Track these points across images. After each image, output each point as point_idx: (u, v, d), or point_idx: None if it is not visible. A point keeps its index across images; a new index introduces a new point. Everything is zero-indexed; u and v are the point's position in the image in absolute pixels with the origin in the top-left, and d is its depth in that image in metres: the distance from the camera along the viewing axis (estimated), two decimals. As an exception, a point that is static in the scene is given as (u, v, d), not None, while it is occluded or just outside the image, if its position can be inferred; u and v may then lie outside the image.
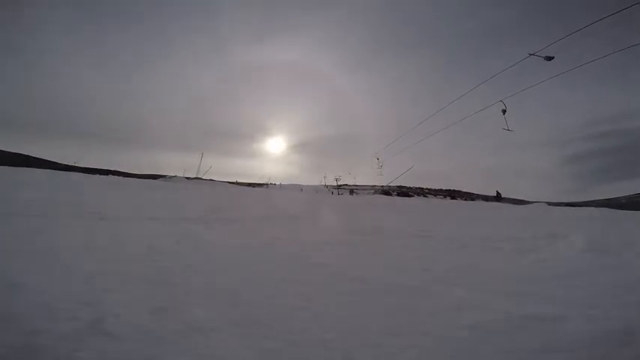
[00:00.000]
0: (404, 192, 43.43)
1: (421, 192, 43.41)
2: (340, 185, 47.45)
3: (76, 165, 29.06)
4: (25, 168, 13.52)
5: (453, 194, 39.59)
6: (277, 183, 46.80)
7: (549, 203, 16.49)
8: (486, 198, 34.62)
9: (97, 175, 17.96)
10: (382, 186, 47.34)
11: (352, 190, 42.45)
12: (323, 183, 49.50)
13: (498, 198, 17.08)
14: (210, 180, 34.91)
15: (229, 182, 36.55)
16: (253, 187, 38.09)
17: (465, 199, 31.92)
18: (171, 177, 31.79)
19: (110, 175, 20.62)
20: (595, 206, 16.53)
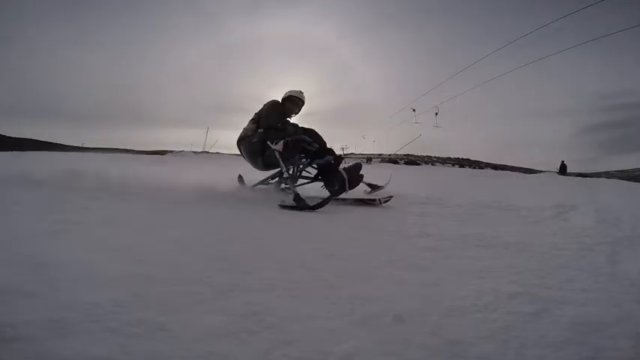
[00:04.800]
0: (411, 160, 43.03)
1: (429, 160, 42.91)
2: (346, 154, 47.21)
3: (84, 146, 29.48)
4: (36, 151, 13.78)
5: (461, 162, 39.08)
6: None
7: (563, 173, 16.18)
8: (495, 167, 34.13)
9: (108, 154, 18.21)
10: (389, 155, 46.80)
11: (369, 158, 41.93)
12: (329, 153, 49.04)
13: (563, 171, 15.12)
14: (217, 153, 35.02)
15: (237, 154, 36.61)
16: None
17: (474, 168, 31.57)
18: (178, 152, 31.97)
19: (118, 153, 20.89)
20: (607, 177, 16.20)
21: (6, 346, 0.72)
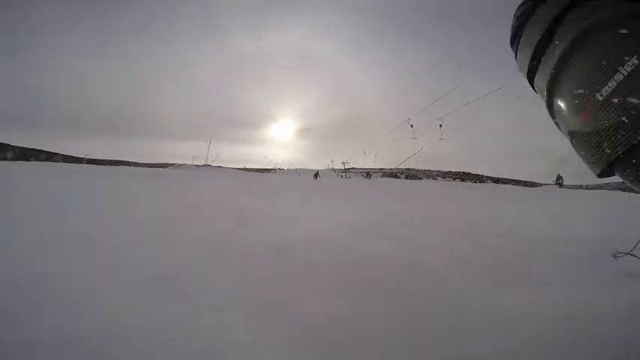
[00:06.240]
0: (412, 174, 43.15)
1: (430, 174, 43.01)
2: (347, 169, 47.36)
3: (86, 157, 29.88)
4: (42, 162, 13.94)
5: (462, 177, 39.13)
6: (284, 168, 47.20)
7: (560, 185, 16.23)
8: (496, 180, 34.16)
9: (108, 166, 18.36)
10: (390, 169, 47.01)
11: (369, 173, 42.37)
12: (330, 167, 49.51)
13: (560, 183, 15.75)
14: (219, 167, 35.32)
15: (237, 168, 36.94)
16: (261, 172, 38.38)
17: (475, 182, 31.57)
18: (179, 165, 32.26)
19: (121, 166, 21.06)
20: (608, 189, 16.16)
21: None
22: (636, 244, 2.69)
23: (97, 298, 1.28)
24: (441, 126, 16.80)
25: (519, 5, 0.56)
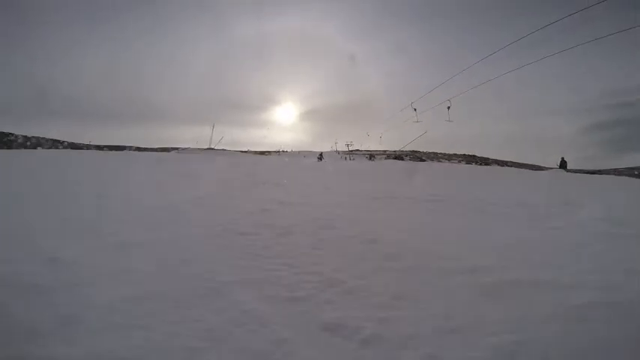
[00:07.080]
0: (417, 157, 42.77)
1: (435, 157, 42.63)
2: (351, 151, 46.95)
3: (90, 144, 29.92)
4: (47, 149, 14.08)
5: (467, 159, 38.74)
6: (289, 150, 47.10)
7: (566, 169, 15.99)
8: (501, 163, 33.77)
9: (114, 152, 18.50)
10: (394, 151, 46.59)
11: (372, 155, 42.12)
12: (334, 149, 49.15)
13: (563, 167, 15.47)
14: (223, 150, 35.23)
15: (241, 151, 36.85)
16: (265, 155, 38.36)
17: (480, 164, 31.24)
18: (184, 149, 32.20)
19: (126, 151, 21.18)
20: (615, 174, 15.98)
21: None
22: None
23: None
24: (449, 108, 16.41)
25: None
